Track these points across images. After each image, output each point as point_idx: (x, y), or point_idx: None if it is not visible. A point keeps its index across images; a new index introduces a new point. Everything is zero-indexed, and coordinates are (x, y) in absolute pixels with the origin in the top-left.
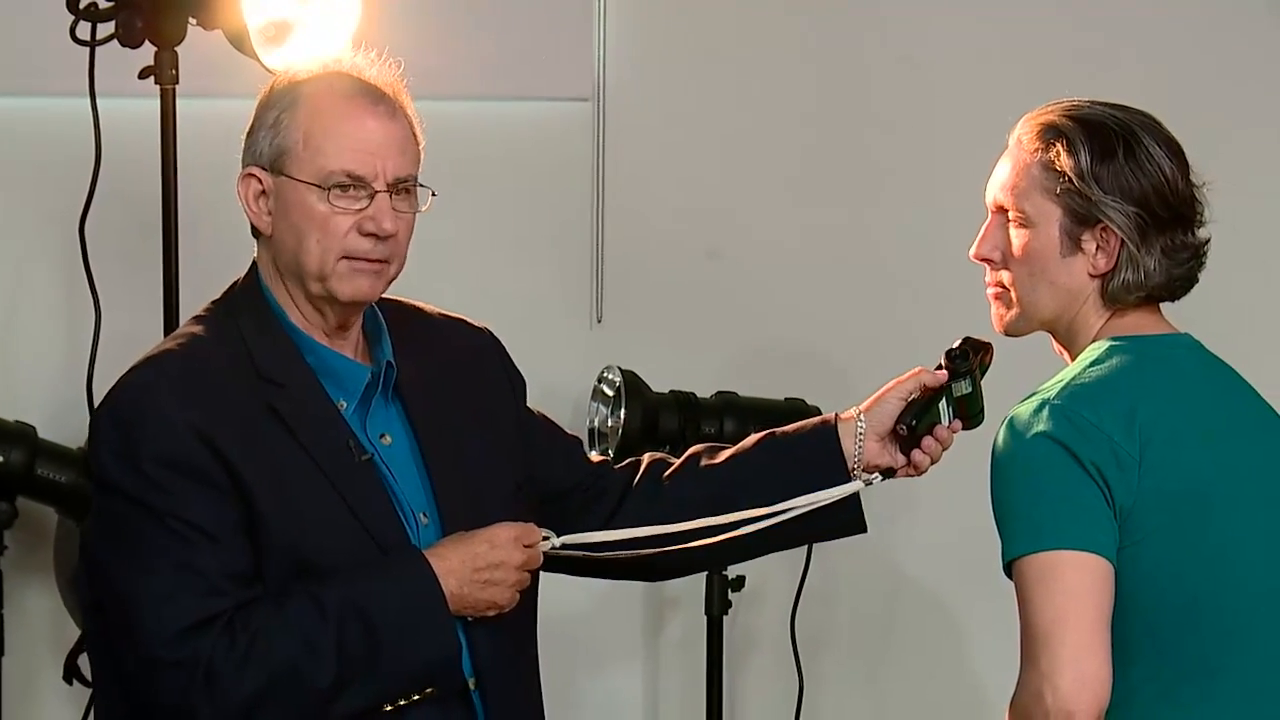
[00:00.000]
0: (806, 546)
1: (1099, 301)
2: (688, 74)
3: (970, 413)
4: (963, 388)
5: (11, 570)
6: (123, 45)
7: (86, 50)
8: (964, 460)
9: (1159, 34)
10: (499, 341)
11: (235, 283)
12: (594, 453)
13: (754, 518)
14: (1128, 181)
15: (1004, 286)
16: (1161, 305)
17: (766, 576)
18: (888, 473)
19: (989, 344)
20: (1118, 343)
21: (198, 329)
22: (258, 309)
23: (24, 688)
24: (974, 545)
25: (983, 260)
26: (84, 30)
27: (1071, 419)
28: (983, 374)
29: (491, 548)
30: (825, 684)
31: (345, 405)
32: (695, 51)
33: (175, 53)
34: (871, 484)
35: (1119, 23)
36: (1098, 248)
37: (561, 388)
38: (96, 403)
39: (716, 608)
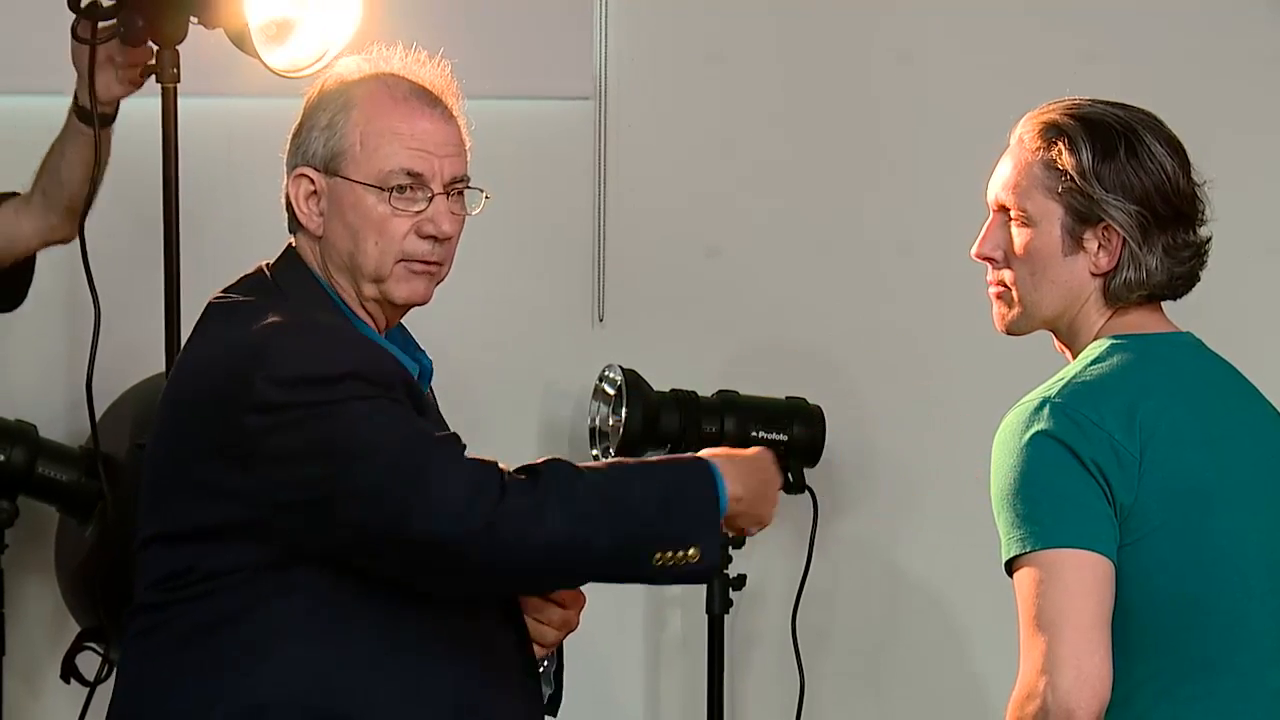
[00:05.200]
0: (808, 546)
1: (1100, 300)
2: (688, 73)
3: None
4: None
5: (12, 570)
6: (124, 44)
7: (87, 50)
8: (964, 459)
9: (1159, 33)
10: None
11: (265, 279)
12: (594, 451)
13: None
14: (1129, 180)
15: (1006, 285)
16: (1163, 304)
17: (767, 576)
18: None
19: None
20: (1119, 341)
21: (282, 316)
22: (321, 304)
23: (24, 687)
24: (974, 544)
25: (984, 259)
26: (85, 29)
27: (1072, 417)
28: None
29: (762, 465)
30: (826, 683)
31: None
32: (696, 51)
33: (176, 51)
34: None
35: (1119, 22)
36: (1099, 246)
37: (562, 387)
38: (96, 402)
39: (717, 607)
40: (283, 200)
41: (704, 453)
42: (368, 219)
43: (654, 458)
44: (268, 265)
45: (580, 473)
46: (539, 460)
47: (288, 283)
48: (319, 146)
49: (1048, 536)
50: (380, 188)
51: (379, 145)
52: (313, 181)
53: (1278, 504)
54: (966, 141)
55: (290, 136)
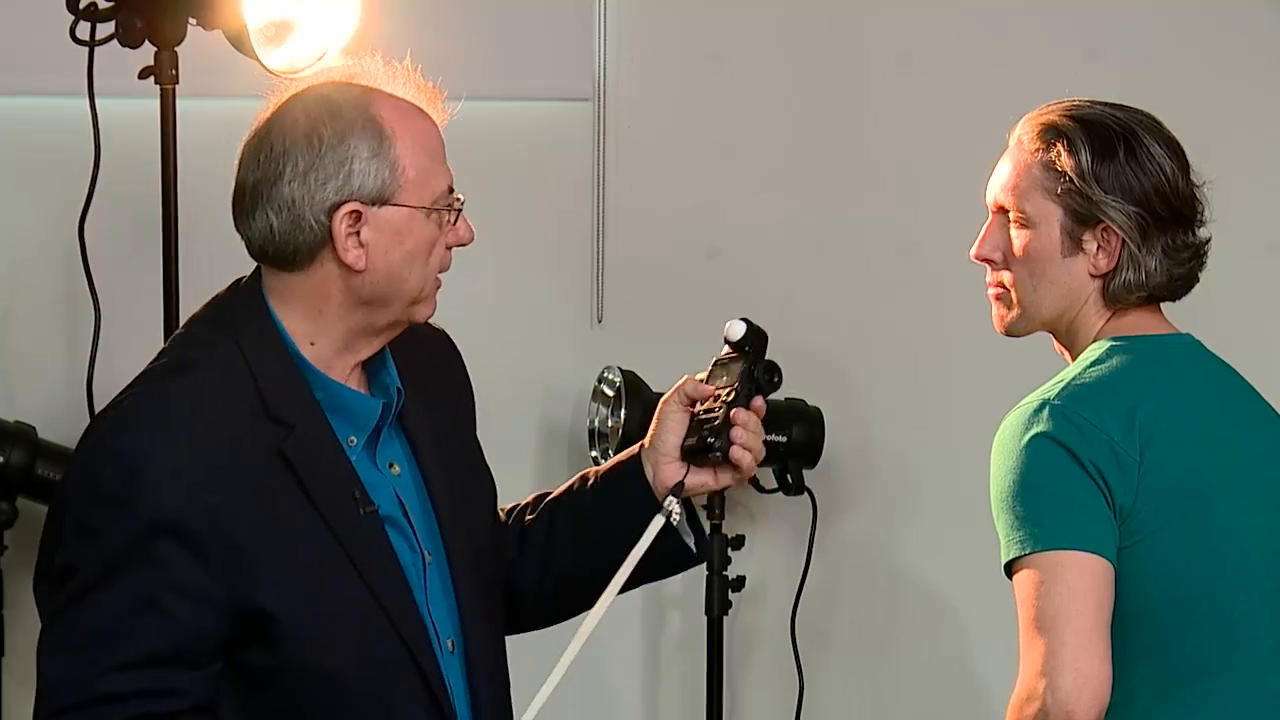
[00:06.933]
0: (807, 547)
1: (1100, 301)
2: (688, 74)
3: (771, 381)
4: (758, 371)
5: (11, 570)
6: (122, 45)
7: (86, 50)
8: (964, 460)
9: (1159, 33)
10: (455, 345)
11: (228, 299)
12: (593, 453)
13: (606, 603)
14: (1128, 181)
15: (1005, 287)
16: (1162, 305)
17: (767, 576)
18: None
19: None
20: (1118, 343)
21: (201, 355)
22: (265, 338)
23: (24, 688)
24: (973, 545)
25: (983, 260)
26: (84, 30)
27: (1071, 419)
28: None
29: None
30: (826, 684)
31: (355, 441)
32: (695, 51)
33: (175, 53)
34: (675, 515)
35: (1118, 22)
36: (1099, 247)
37: (561, 388)
38: (97, 402)
39: (717, 608)
40: (267, 236)
41: None
42: (421, 242)
43: None
44: (236, 286)
45: None
46: None
47: (245, 319)
48: (366, 179)
49: (1047, 538)
50: (432, 208)
51: (426, 166)
52: (359, 216)
53: (1277, 505)
54: (966, 142)
55: (304, 174)
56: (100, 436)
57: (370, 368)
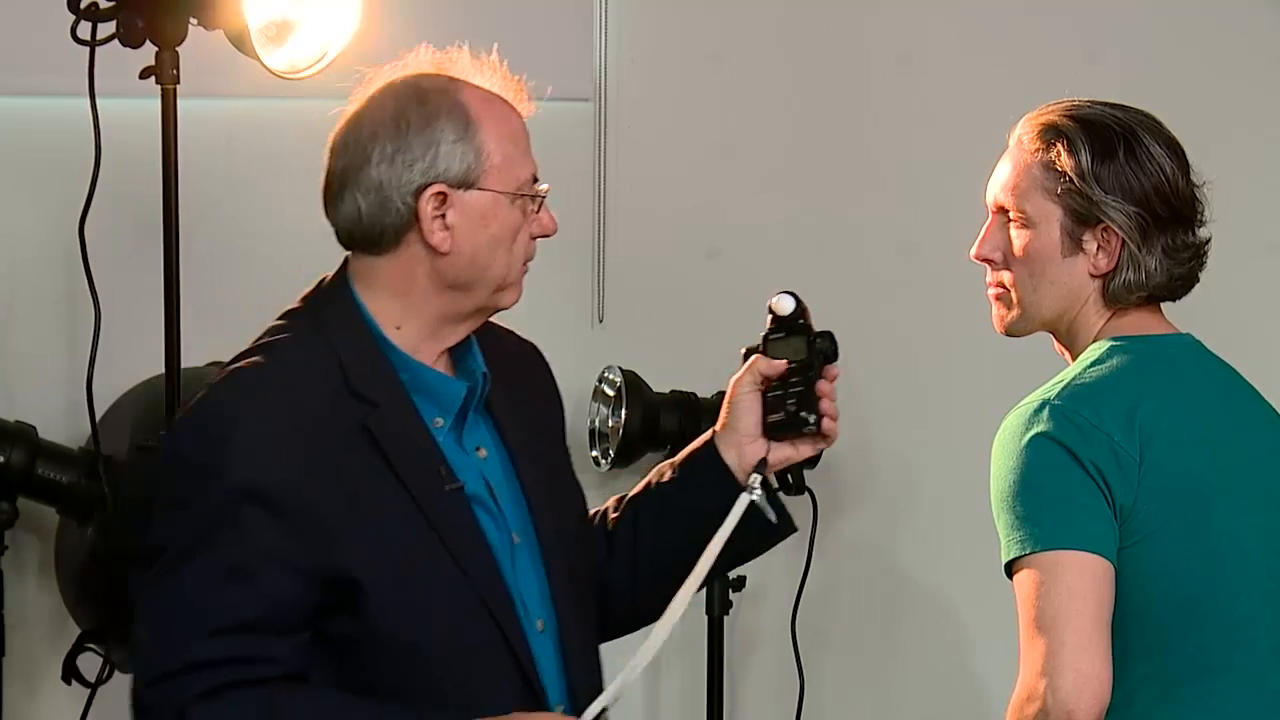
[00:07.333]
0: (807, 547)
1: (1100, 301)
2: (688, 74)
3: (834, 349)
4: (821, 341)
5: (11, 570)
6: (123, 45)
7: (86, 50)
8: (964, 460)
9: (1159, 34)
10: (543, 356)
11: (315, 291)
12: (594, 453)
13: (696, 584)
14: (1128, 181)
15: (1005, 287)
16: (1162, 305)
17: (767, 576)
18: (807, 463)
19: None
20: (1118, 343)
21: (285, 339)
22: (350, 322)
23: (24, 688)
24: (973, 545)
25: (983, 261)
26: (84, 30)
27: (1071, 419)
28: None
29: None
30: (826, 684)
31: (441, 422)
32: (696, 51)
33: (176, 53)
34: (758, 493)
35: (1119, 23)
36: (1099, 248)
37: (562, 388)
38: (96, 402)
39: (717, 608)
40: (355, 219)
41: None
42: (505, 228)
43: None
44: (321, 283)
45: None
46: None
47: (330, 304)
48: (452, 162)
49: (1047, 538)
50: (517, 194)
51: (510, 153)
52: (445, 198)
53: (1277, 505)
54: (966, 142)
55: (394, 156)
56: (187, 415)
57: (456, 355)
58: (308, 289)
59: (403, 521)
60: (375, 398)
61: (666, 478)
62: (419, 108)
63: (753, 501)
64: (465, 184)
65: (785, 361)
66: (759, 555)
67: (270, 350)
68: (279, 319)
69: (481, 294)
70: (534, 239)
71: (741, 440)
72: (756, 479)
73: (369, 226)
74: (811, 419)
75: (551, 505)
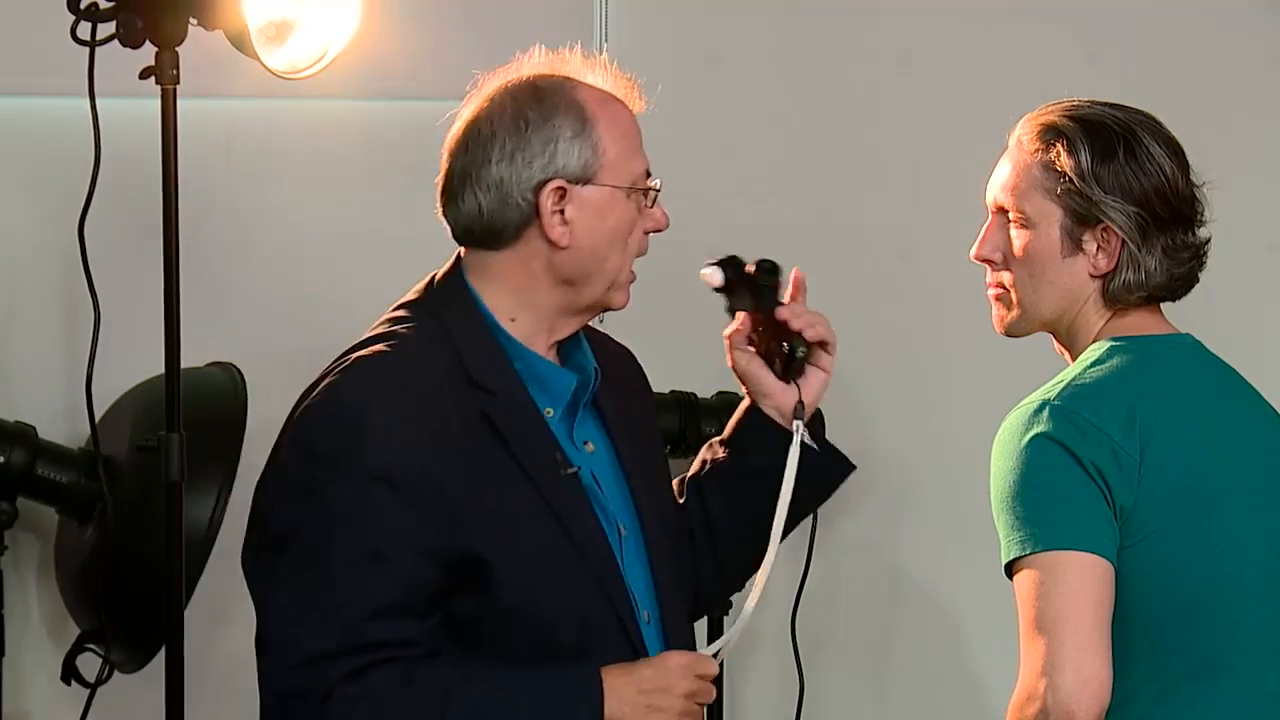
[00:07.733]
0: (807, 547)
1: (1100, 302)
2: (688, 74)
3: (771, 272)
4: (763, 277)
5: (11, 570)
6: (123, 45)
7: (86, 50)
8: (964, 461)
9: (1159, 34)
10: (639, 362)
11: (428, 286)
12: None
13: (781, 533)
14: (1128, 181)
15: (1005, 287)
16: (1162, 305)
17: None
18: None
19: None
20: (1118, 343)
21: (403, 329)
22: (465, 312)
23: (24, 688)
24: (973, 545)
25: (983, 261)
26: (84, 30)
27: (1071, 419)
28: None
29: (658, 673)
30: (826, 684)
31: (551, 412)
32: (695, 51)
33: (176, 53)
34: (804, 433)
35: (1119, 23)
36: (1098, 248)
37: None
38: (96, 402)
39: (717, 608)
40: (475, 216)
41: (610, 669)
42: (622, 222)
43: (540, 673)
44: (434, 278)
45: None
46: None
47: (445, 295)
48: (570, 158)
49: (1048, 539)
50: (630, 189)
51: (625, 149)
52: (564, 193)
53: (1278, 505)
54: (966, 142)
55: (514, 153)
56: (311, 404)
57: (565, 350)
58: (420, 283)
59: (525, 503)
60: (492, 386)
61: (721, 452)
62: (537, 106)
63: (804, 445)
64: (583, 179)
65: (746, 315)
66: (825, 500)
67: (390, 339)
68: (394, 309)
69: (596, 289)
70: (647, 234)
71: (771, 395)
72: (799, 423)
73: (490, 222)
74: (798, 348)
75: (656, 500)
